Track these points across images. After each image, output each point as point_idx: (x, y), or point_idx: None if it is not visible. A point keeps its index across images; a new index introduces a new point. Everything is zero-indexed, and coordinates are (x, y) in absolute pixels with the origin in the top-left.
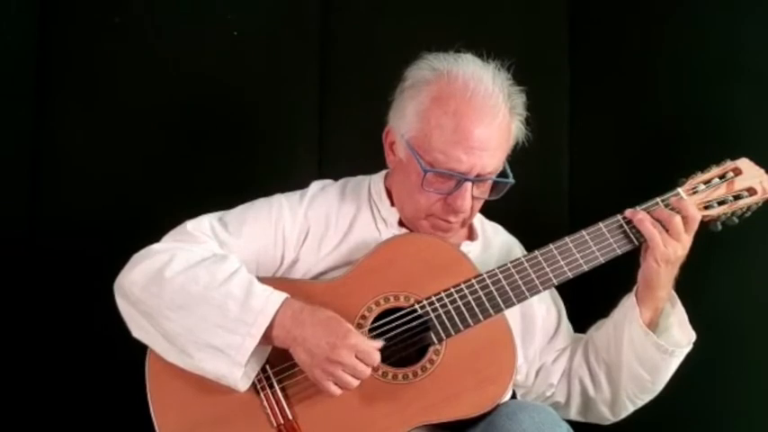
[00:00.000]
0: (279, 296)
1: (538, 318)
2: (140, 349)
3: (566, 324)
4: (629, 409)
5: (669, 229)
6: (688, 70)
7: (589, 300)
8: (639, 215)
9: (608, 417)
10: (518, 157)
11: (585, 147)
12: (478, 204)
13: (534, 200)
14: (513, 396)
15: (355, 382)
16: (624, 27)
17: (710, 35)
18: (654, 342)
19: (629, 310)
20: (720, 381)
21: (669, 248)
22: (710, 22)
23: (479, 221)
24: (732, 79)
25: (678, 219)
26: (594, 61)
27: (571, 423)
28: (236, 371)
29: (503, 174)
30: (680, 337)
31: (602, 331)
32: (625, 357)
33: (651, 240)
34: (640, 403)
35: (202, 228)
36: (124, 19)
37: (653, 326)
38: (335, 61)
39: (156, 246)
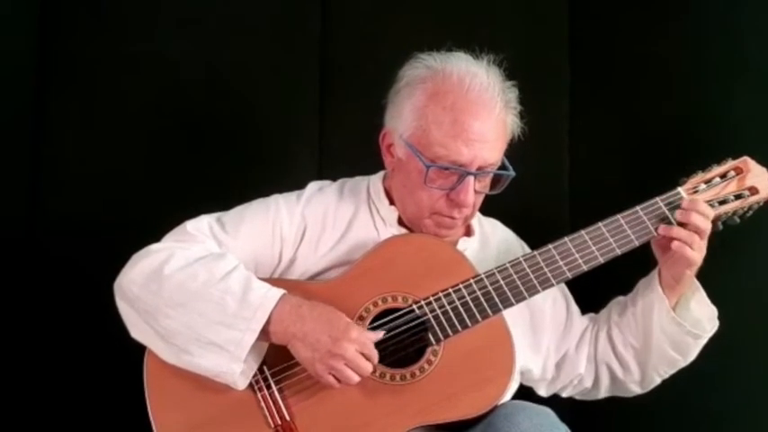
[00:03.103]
0: (277, 291)
1: (546, 310)
2: (139, 349)
3: (575, 308)
4: (657, 382)
5: (699, 233)
6: (689, 69)
7: (588, 299)
8: (673, 232)
9: (637, 391)
10: (518, 155)
11: (586, 145)
12: (480, 199)
13: (534, 198)
14: (514, 397)
15: (356, 377)
16: (624, 26)
17: (711, 33)
18: (687, 331)
19: (656, 303)
20: (720, 381)
21: (699, 256)
22: (711, 20)
23: (476, 217)
24: (733, 78)
25: (700, 218)
26: (594, 60)
27: (570, 424)
28: (236, 367)
29: (502, 167)
30: (701, 313)
31: (626, 320)
32: (655, 342)
33: (692, 259)
34: (668, 376)
35: (201, 228)
36: (122, 20)
37: (675, 306)
38: (335, 62)
39: (154, 245)
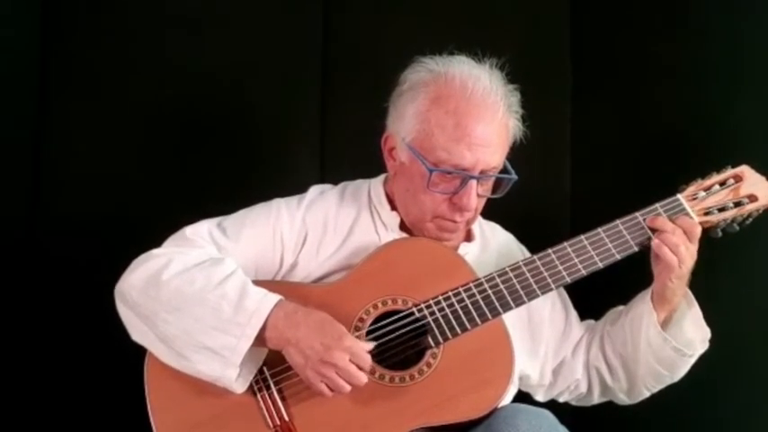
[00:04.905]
0: (273, 297)
1: (545, 316)
2: (139, 349)
3: (574, 315)
4: (645, 395)
5: (690, 239)
6: (690, 73)
7: (587, 305)
8: (659, 238)
9: (626, 401)
10: (520, 158)
11: (587, 148)
12: (482, 203)
13: (536, 201)
14: (515, 399)
15: (347, 387)
16: (626, 29)
17: (713, 37)
18: (673, 347)
19: (645, 315)
20: (718, 387)
21: (684, 268)
22: (713, 24)
23: (477, 221)
24: (734, 83)
25: (688, 229)
26: (596, 63)
27: (569, 426)
28: (232, 372)
29: (505, 171)
30: (694, 334)
31: (617, 328)
32: (642, 356)
33: (671, 264)
34: (656, 391)
35: (201, 233)
36: (123, 21)
37: (668, 322)
38: (338, 64)
39: (154, 251)
